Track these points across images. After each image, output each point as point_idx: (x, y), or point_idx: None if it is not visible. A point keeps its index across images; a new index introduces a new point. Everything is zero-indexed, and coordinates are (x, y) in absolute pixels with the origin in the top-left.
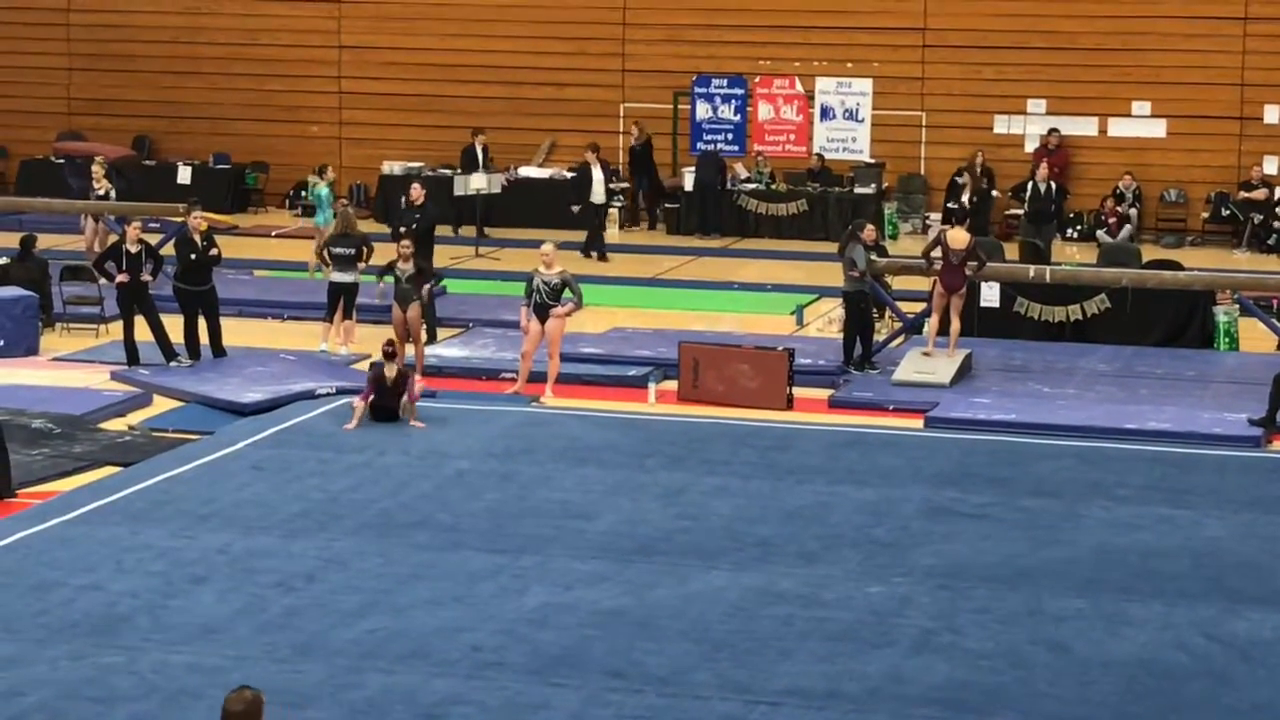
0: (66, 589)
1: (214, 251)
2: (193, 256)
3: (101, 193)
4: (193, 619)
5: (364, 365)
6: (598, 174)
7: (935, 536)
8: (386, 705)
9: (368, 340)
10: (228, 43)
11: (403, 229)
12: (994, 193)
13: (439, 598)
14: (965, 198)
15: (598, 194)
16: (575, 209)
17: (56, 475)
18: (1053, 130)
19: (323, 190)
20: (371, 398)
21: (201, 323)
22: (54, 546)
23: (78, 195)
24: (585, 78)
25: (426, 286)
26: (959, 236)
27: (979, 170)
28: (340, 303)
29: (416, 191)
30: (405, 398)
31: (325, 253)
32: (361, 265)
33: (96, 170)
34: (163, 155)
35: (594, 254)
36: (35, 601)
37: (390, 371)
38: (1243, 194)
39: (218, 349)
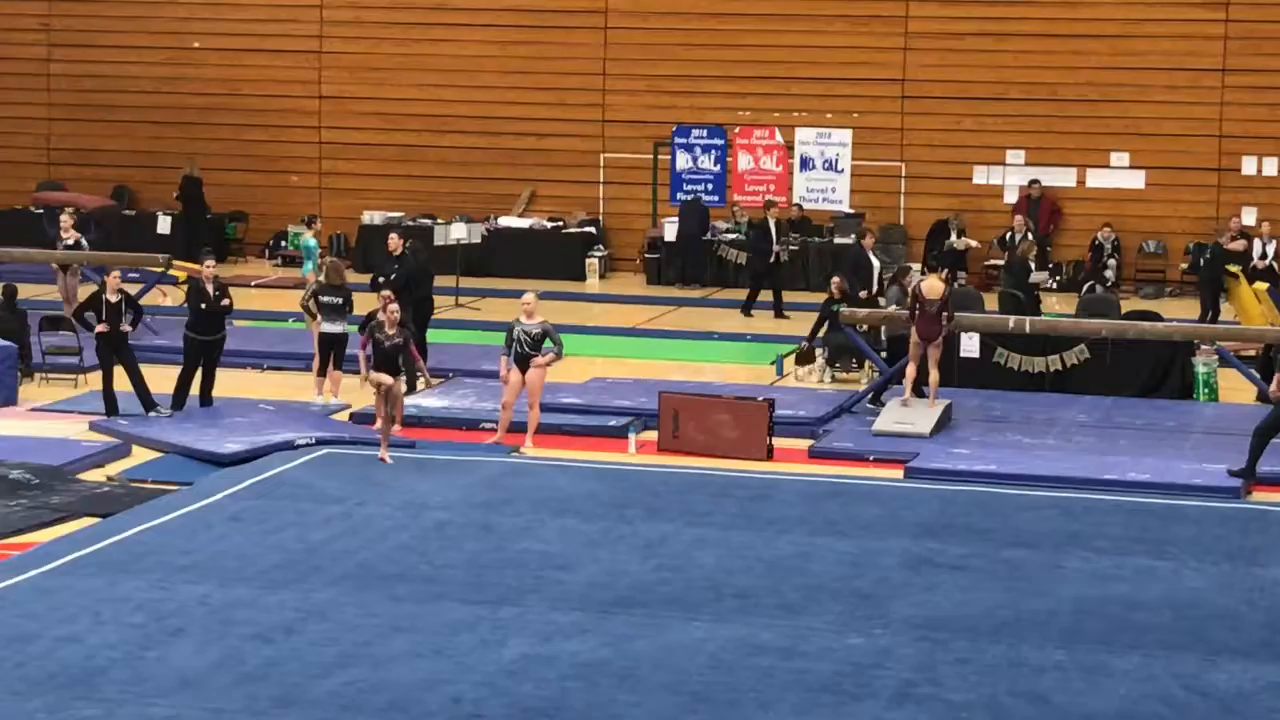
0: (44, 640)
1: (226, 301)
2: (203, 306)
3: (70, 243)
4: (171, 671)
5: (344, 415)
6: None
7: (915, 587)
8: None
9: (348, 390)
10: (208, 93)
11: (381, 279)
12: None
13: (418, 649)
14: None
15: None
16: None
17: (35, 526)
18: (1034, 181)
19: (310, 241)
20: (369, 352)
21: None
22: (32, 598)
23: (55, 246)
24: (565, 128)
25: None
26: (934, 286)
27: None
28: (331, 354)
29: (394, 242)
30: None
31: (313, 303)
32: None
33: (65, 220)
34: (142, 205)
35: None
36: (13, 653)
37: (391, 331)
38: (1227, 246)
39: (206, 399)
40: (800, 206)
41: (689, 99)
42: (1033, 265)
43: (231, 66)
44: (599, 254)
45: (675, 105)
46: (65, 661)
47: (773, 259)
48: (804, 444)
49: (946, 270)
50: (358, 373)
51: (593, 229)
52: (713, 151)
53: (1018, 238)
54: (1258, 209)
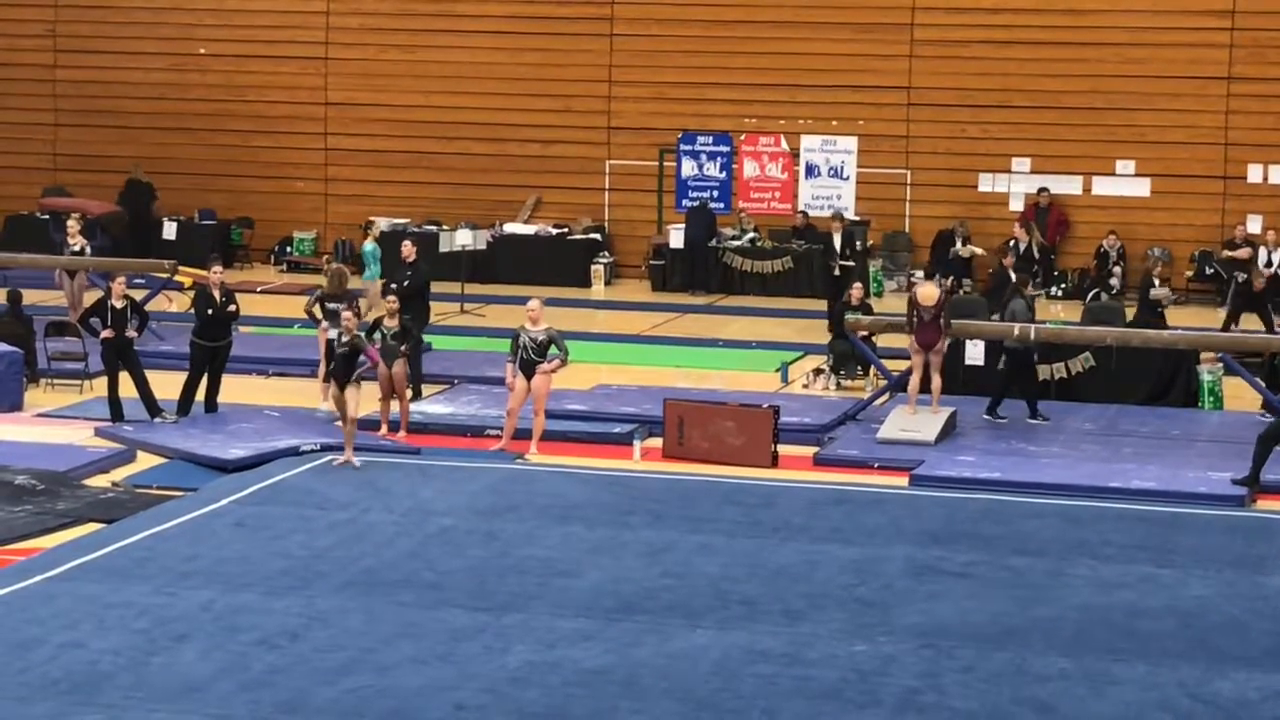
0: (48, 646)
1: (232, 307)
2: (209, 311)
3: (76, 248)
4: (175, 677)
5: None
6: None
7: (920, 595)
8: None
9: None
10: (214, 99)
11: (394, 286)
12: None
13: (422, 656)
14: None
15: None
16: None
17: (39, 532)
18: (1042, 189)
19: (369, 246)
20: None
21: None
22: (36, 603)
23: (61, 251)
24: (571, 134)
25: (405, 345)
26: (928, 293)
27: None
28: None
29: (408, 249)
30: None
31: (318, 309)
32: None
33: (72, 226)
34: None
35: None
36: (16, 659)
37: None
38: (1226, 253)
39: (212, 405)
40: (806, 214)
41: (694, 106)
42: (1156, 282)
43: (237, 72)
44: (604, 260)
45: (681, 112)
46: (69, 667)
47: (836, 272)
48: (809, 451)
49: (944, 277)
50: (365, 379)
51: (598, 235)
52: (718, 158)
53: (1021, 246)
54: (1263, 217)
